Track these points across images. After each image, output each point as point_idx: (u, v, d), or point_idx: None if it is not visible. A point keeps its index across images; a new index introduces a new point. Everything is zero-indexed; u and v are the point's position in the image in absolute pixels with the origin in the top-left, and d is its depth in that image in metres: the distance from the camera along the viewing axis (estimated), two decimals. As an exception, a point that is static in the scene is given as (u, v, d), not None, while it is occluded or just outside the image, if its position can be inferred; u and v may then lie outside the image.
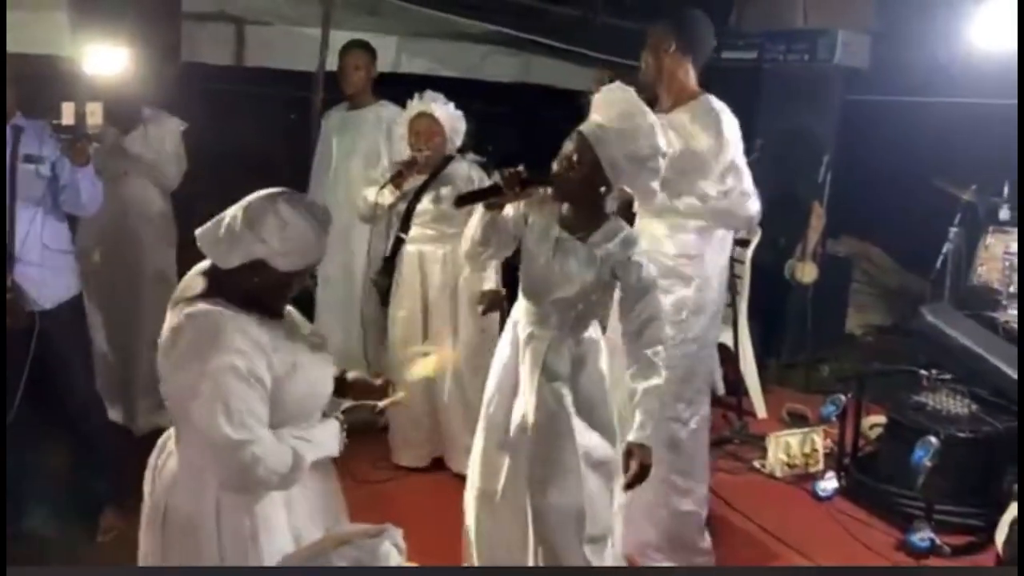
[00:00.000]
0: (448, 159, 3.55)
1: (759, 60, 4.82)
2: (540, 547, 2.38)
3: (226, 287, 1.72)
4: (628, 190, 2.41)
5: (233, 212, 1.73)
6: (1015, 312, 3.70)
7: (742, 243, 4.29)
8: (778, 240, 4.71)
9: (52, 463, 3.19)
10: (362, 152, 3.96)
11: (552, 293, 2.35)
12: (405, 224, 3.56)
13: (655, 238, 2.83)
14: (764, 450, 3.82)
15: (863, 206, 5.20)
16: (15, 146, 2.66)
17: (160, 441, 1.87)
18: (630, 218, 2.73)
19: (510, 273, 2.73)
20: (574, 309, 2.36)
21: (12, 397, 2.69)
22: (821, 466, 3.78)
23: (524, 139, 5.50)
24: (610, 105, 2.30)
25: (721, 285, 2.97)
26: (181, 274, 1.84)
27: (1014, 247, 3.88)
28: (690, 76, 2.86)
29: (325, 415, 1.87)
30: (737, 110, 2.83)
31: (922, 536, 3.13)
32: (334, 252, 3.76)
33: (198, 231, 1.75)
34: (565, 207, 2.37)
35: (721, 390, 4.31)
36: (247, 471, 1.63)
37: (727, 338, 4.23)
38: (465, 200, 2.51)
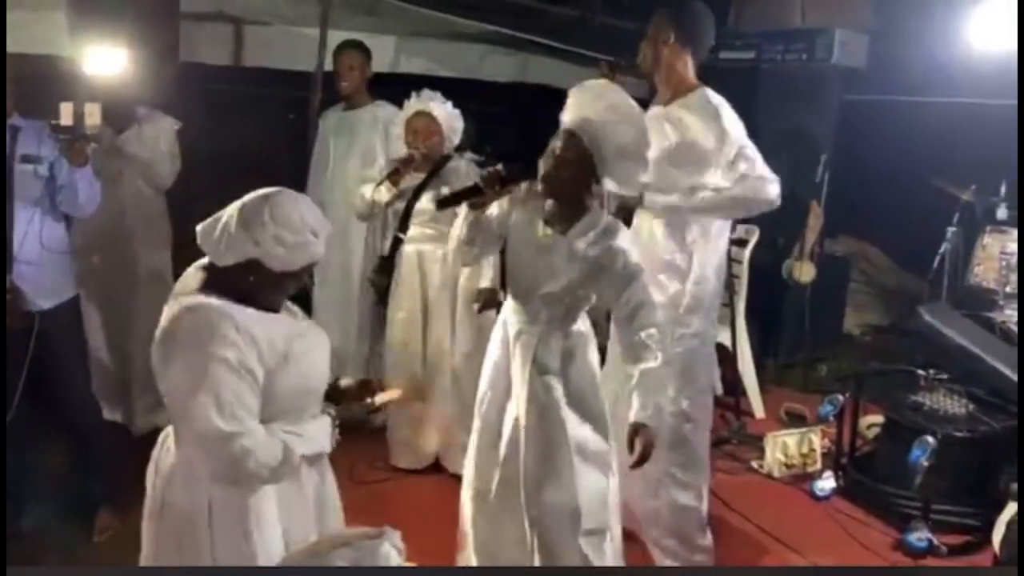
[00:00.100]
0: (446, 158, 3.55)
1: (757, 60, 4.81)
2: (536, 543, 2.38)
3: (222, 282, 1.73)
4: (617, 188, 2.40)
5: (230, 211, 1.74)
6: (1012, 312, 3.69)
7: (740, 243, 4.29)
8: (776, 240, 4.71)
9: (49, 463, 3.19)
10: (359, 152, 3.97)
11: (539, 289, 2.36)
12: (403, 223, 3.55)
13: (650, 233, 2.82)
14: (762, 450, 3.81)
15: (861, 206, 5.19)
16: (12, 146, 2.66)
17: (162, 435, 1.87)
18: (629, 223, 2.74)
19: (506, 272, 2.73)
20: (562, 303, 2.37)
21: (11, 397, 2.69)
22: (819, 466, 3.78)
23: (522, 139, 5.48)
24: (596, 98, 2.31)
25: (719, 280, 2.96)
26: (177, 274, 1.85)
27: (1011, 247, 3.88)
28: (689, 69, 2.84)
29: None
30: (735, 110, 2.81)
31: (919, 536, 3.14)
32: (332, 252, 3.72)
33: (199, 227, 1.76)
34: (549, 203, 2.38)
35: (719, 390, 4.29)
36: (237, 463, 1.63)
37: (725, 338, 4.23)
38: (447, 202, 2.53)
